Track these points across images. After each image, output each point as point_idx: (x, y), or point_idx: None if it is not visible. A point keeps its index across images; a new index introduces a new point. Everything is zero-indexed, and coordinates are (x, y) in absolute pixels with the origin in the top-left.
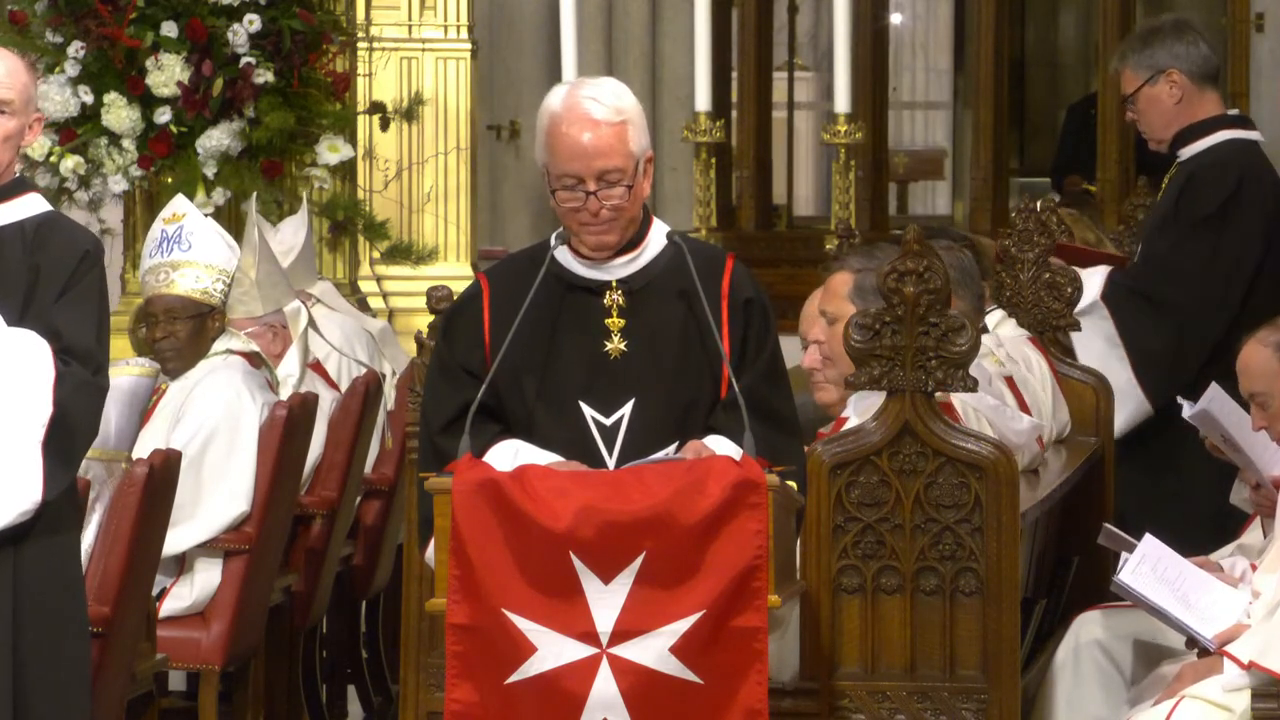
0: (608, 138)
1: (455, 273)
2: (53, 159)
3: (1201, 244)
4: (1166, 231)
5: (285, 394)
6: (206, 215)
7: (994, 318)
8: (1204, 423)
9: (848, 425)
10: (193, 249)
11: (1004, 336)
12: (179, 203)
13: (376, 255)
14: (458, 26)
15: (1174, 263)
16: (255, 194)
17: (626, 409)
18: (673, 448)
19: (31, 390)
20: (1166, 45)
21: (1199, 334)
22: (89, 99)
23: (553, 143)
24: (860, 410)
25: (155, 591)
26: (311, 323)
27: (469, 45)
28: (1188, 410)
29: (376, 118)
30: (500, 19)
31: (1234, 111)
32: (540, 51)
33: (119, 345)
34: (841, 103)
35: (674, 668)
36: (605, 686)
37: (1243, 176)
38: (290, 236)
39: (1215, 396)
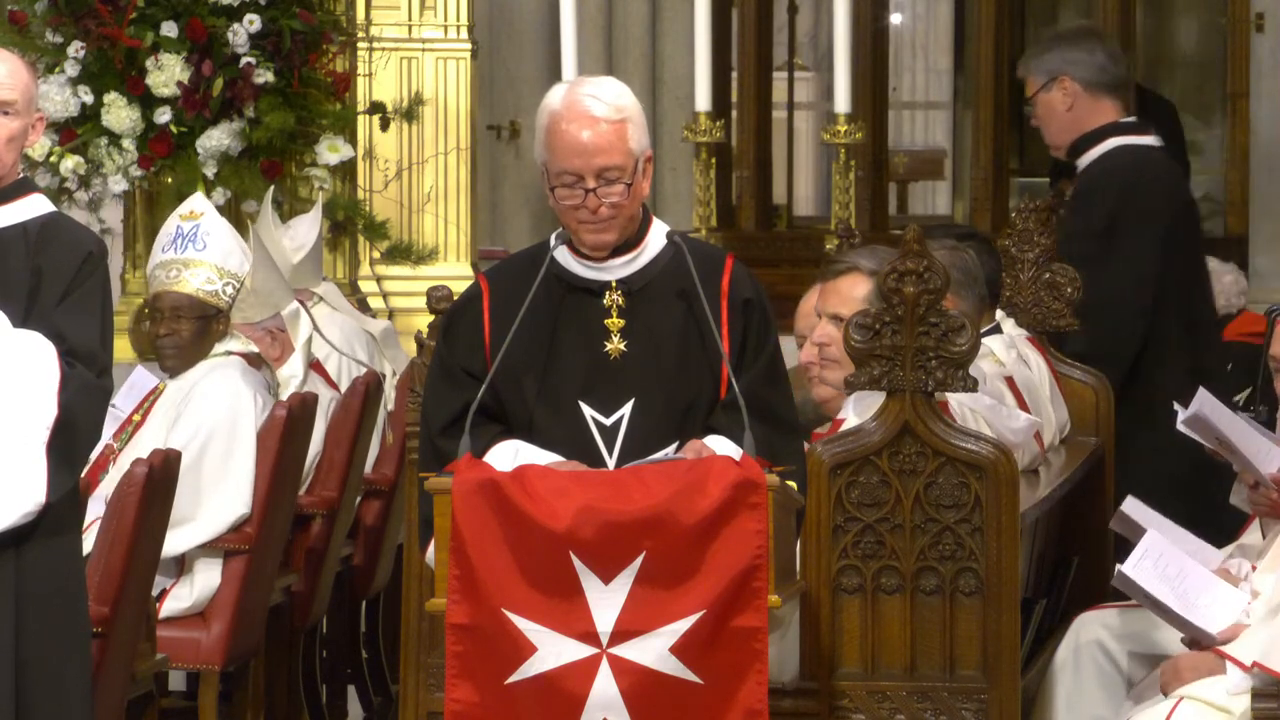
0: (608, 135)
1: (455, 273)
2: (53, 159)
3: (1096, 259)
4: (1072, 244)
5: (287, 395)
6: None
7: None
8: (1197, 427)
9: (846, 425)
10: (207, 249)
11: (1014, 335)
12: (198, 200)
13: (376, 255)
14: (458, 26)
15: (1083, 276)
16: (269, 195)
17: (626, 409)
18: (673, 448)
19: (36, 392)
20: (1062, 51)
21: (1114, 341)
22: (89, 99)
23: (552, 140)
24: (859, 410)
25: (155, 592)
26: (315, 327)
27: (469, 45)
28: (1181, 416)
29: (376, 118)
30: (500, 19)
31: (1130, 119)
32: (540, 51)
33: (118, 345)
34: (841, 103)
35: (674, 668)
36: (605, 686)
37: (1128, 183)
38: (304, 234)
39: (1204, 400)
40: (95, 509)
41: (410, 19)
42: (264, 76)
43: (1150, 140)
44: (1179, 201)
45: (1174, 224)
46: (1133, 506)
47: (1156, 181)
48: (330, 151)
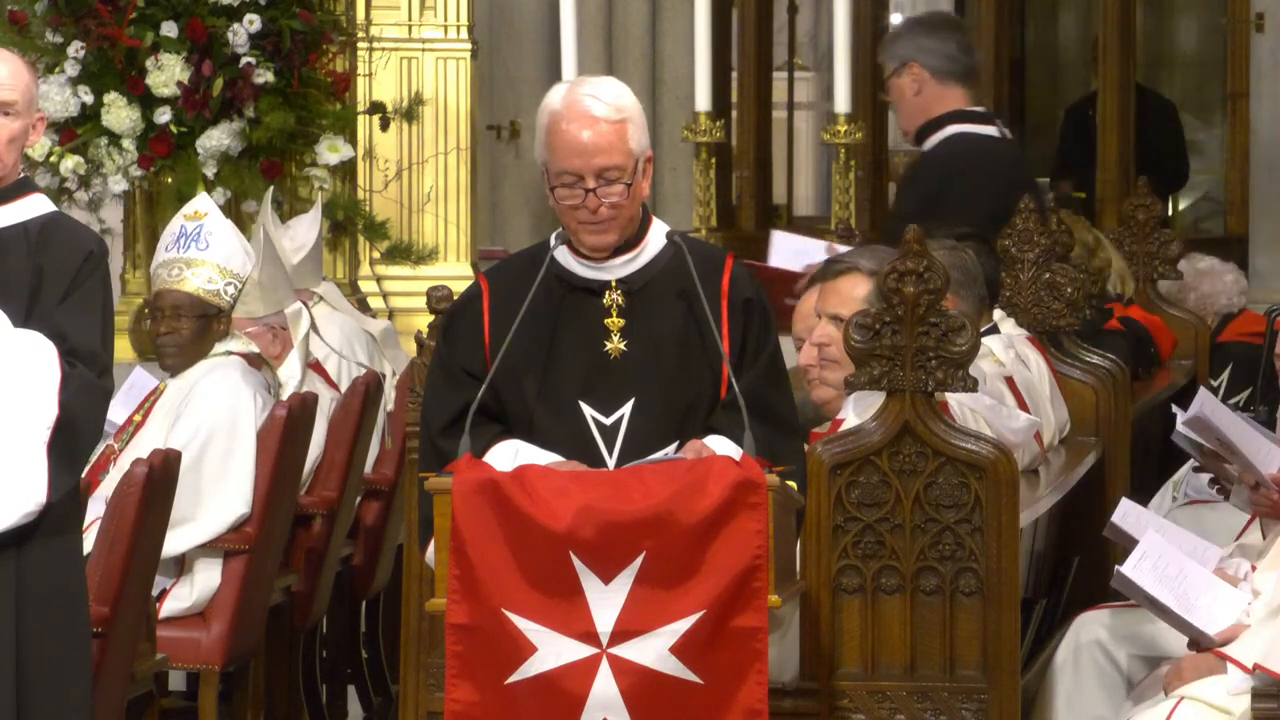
0: (608, 135)
1: (455, 273)
2: (53, 159)
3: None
4: (894, 223)
5: (286, 394)
6: None
7: (997, 314)
8: (1199, 428)
9: (845, 425)
10: (210, 249)
11: (1012, 335)
12: (202, 201)
13: (376, 255)
14: (458, 26)
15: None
16: (269, 194)
17: (626, 409)
18: (673, 448)
19: (37, 392)
20: (914, 39)
21: None
22: (89, 99)
23: (553, 140)
24: (859, 410)
25: (155, 592)
26: (313, 326)
27: (469, 45)
28: (1181, 418)
29: (376, 118)
30: (500, 19)
31: (977, 108)
32: (540, 51)
33: (118, 345)
34: (841, 103)
35: (674, 668)
36: (605, 686)
37: (953, 170)
38: (304, 234)
39: (1205, 401)
40: (95, 509)
41: (410, 19)
42: (264, 76)
43: (990, 130)
44: (1009, 192)
45: (999, 214)
46: (1124, 514)
47: (983, 170)
48: (330, 151)
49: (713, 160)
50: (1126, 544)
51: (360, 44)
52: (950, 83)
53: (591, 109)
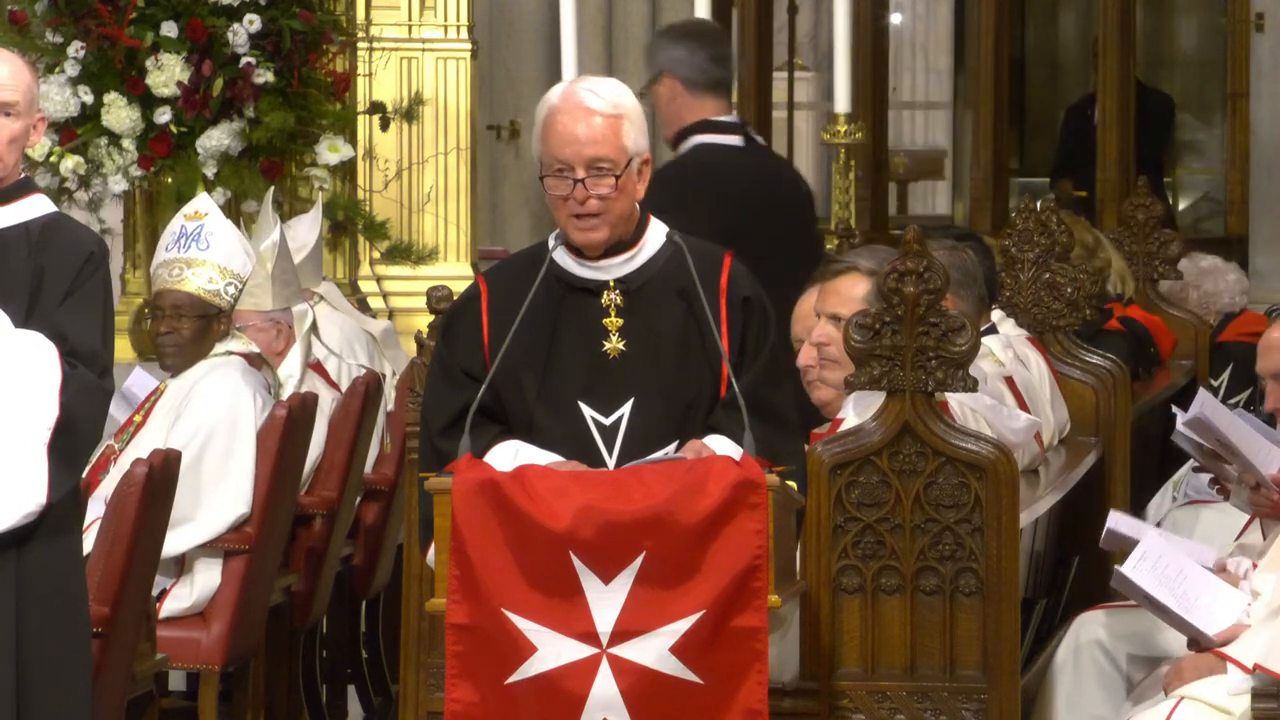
0: (601, 128)
1: (455, 273)
2: (53, 159)
3: None
4: None
5: (286, 394)
6: None
7: (995, 315)
8: (1199, 428)
9: (845, 425)
10: (210, 249)
11: (1011, 336)
12: (202, 201)
13: (376, 255)
14: (458, 26)
15: None
16: (271, 190)
17: (626, 409)
18: (672, 447)
19: (38, 393)
20: (666, 49)
21: None
22: (89, 99)
23: (547, 132)
24: (859, 410)
25: (155, 592)
26: (314, 327)
27: (469, 45)
28: (1181, 419)
29: (376, 118)
30: (500, 19)
31: (723, 118)
32: (540, 51)
33: (119, 345)
34: (841, 103)
35: (674, 668)
36: (605, 686)
37: (683, 179)
38: (305, 234)
39: (1206, 401)
40: (95, 509)
41: (410, 19)
42: (264, 76)
43: (734, 140)
44: (743, 200)
45: (734, 222)
46: (1115, 522)
47: (721, 178)
48: (330, 151)
49: None
50: (1126, 547)
51: (360, 44)
52: (700, 93)
53: (587, 101)
